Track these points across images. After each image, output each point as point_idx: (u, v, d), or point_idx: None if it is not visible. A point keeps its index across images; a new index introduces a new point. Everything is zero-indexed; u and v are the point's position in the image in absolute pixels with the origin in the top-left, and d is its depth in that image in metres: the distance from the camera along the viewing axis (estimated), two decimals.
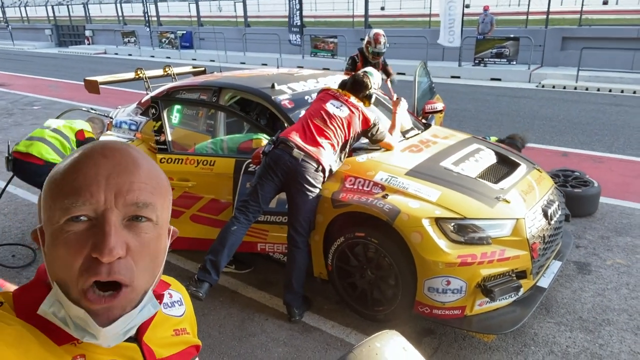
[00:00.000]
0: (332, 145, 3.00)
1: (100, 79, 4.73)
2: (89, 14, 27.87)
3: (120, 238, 0.64)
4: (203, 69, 5.53)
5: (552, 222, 3.01)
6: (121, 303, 0.65)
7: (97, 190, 0.64)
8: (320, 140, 2.97)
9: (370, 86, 3.21)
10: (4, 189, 4.16)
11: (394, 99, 3.57)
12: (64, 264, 0.63)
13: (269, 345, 2.85)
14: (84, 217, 0.64)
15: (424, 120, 4.39)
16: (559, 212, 3.18)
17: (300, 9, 16.40)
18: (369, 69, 3.41)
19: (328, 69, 14.30)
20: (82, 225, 0.64)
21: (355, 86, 3.20)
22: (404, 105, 3.50)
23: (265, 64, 16.18)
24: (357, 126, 3.10)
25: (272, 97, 3.44)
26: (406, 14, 24.56)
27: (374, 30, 5.51)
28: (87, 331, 0.64)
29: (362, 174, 2.99)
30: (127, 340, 0.70)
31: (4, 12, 30.92)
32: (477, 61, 13.42)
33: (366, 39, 5.50)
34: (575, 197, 4.32)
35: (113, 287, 0.64)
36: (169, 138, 3.57)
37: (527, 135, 4.96)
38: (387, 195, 2.80)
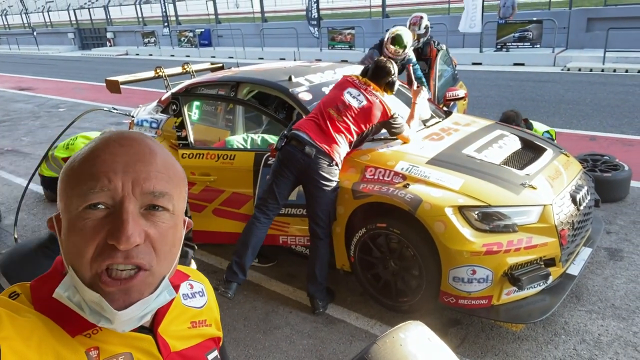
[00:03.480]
0: (348, 138, 2.94)
1: (121, 78, 4.79)
2: (110, 16, 28.37)
3: (137, 226, 0.64)
4: (221, 65, 5.55)
5: (581, 207, 2.92)
6: (139, 287, 0.65)
7: (114, 176, 0.64)
8: (335, 135, 2.91)
9: (393, 72, 3.07)
10: (25, 189, 4.27)
11: (414, 87, 3.43)
12: (79, 249, 0.64)
13: (293, 338, 2.86)
14: (102, 205, 0.64)
15: (445, 108, 4.30)
16: (588, 198, 3.08)
17: (317, 1, 16.32)
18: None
19: (346, 61, 14.23)
20: (100, 213, 0.64)
21: (377, 72, 3.06)
22: (424, 94, 3.38)
23: (284, 58, 16.18)
24: (376, 118, 3.00)
25: (290, 90, 3.42)
26: (424, 1, 24.14)
27: (413, 14, 5.24)
28: (102, 315, 0.64)
29: (383, 164, 2.95)
30: (141, 331, 0.70)
31: (28, 18, 31.72)
32: (499, 46, 13.11)
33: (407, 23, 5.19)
34: (605, 181, 4.19)
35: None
36: (190, 133, 3.59)
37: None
38: (408, 184, 2.75)
